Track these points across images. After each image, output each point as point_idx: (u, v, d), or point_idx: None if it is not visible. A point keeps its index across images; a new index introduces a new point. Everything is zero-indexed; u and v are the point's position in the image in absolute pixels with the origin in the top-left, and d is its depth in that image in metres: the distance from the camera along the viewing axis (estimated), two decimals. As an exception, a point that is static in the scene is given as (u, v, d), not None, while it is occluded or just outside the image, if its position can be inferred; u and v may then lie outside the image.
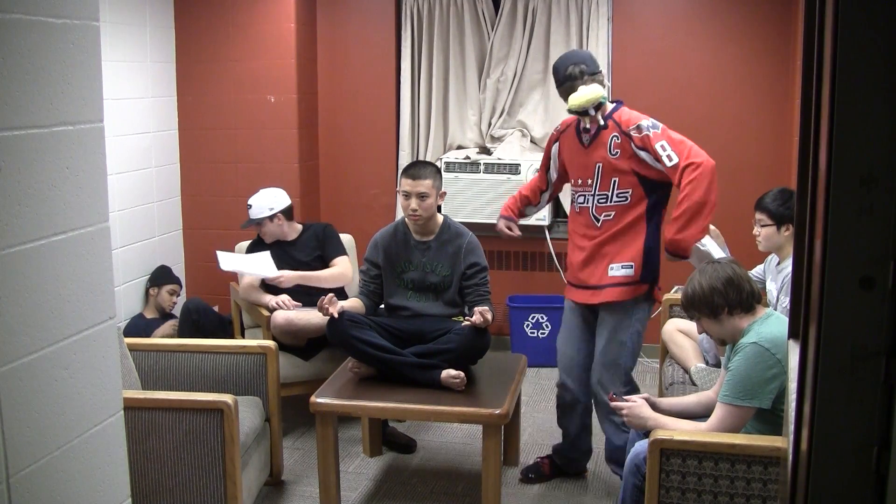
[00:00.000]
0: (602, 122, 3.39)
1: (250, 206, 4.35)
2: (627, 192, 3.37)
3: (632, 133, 3.31)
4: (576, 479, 3.75)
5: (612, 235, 3.40)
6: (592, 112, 3.35)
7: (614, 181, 3.37)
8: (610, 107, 3.43)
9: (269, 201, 4.34)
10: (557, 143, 3.60)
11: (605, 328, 3.44)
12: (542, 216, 5.12)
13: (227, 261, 4.26)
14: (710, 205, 3.24)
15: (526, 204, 3.81)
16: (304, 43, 5.29)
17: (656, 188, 3.38)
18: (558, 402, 3.66)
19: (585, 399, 3.59)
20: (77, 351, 1.52)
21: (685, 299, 2.81)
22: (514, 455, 3.85)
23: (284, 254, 4.30)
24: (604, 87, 3.39)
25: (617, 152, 3.34)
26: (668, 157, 3.24)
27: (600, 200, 3.41)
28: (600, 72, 3.43)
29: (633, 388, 3.49)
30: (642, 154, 3.31)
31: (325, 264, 4.33)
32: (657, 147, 3.26)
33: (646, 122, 3.32)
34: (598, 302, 3.45)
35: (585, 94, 3.31)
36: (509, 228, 3.78)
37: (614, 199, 3.38)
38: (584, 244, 3.48)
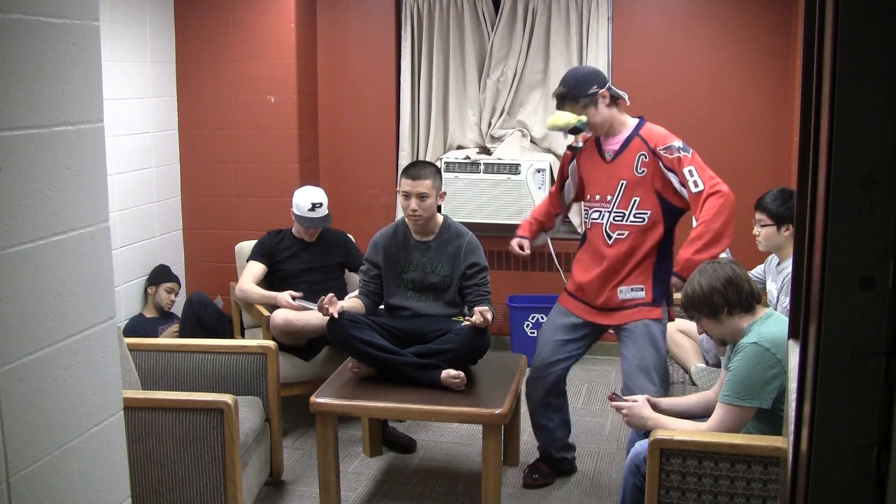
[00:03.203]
0: (579, 144, 3.44)
1: (320, 203, 4.26)
2: (646, 214, 3.32)
3: (661, 152, 3.28)
4: (575, 479, 3.75)
5: (623, 255, 3.36)
6: (567, 135, 3.40)
7: (635, 200, 3.33)
8: (633, 123, 3.40)
9: (327, 198, 4.31)
10: (574, 160, 3.56)
11: (639, 336, 3.37)
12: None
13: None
14: (726, 237, 3.25)
15: (539, 229, 3.75)
16: (304, 43, 5.29)
17: (673, 213, 3.36)
18: (531, 408, 3.64)
19: (557, 400, 3.61)
20: (77, 351, 1.52)
21: (685, 299, 2.81)
22: (514, 455, 3.85)
23: (305, 254, 4.30)
24: (595, 108, 3.32)
25: (643, 171, 3.30)
26: (695, 182, 3.23)
27: (616, 218, 3.37)
28: (591, 94, 3.30)
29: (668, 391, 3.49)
30: (670, 175, 3.28)
31: (343, 271, 4.43)
32: (685, 171, 3.24)
33: (678, 142, 3.30)
34: (616, 324, 3.44)
35: (554, 119, 3.35)
36: (521, 247, 3.67)
37: (631, 218, 3.34)
38: (591, 261, 3.45)
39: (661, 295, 3.39)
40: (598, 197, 3.42)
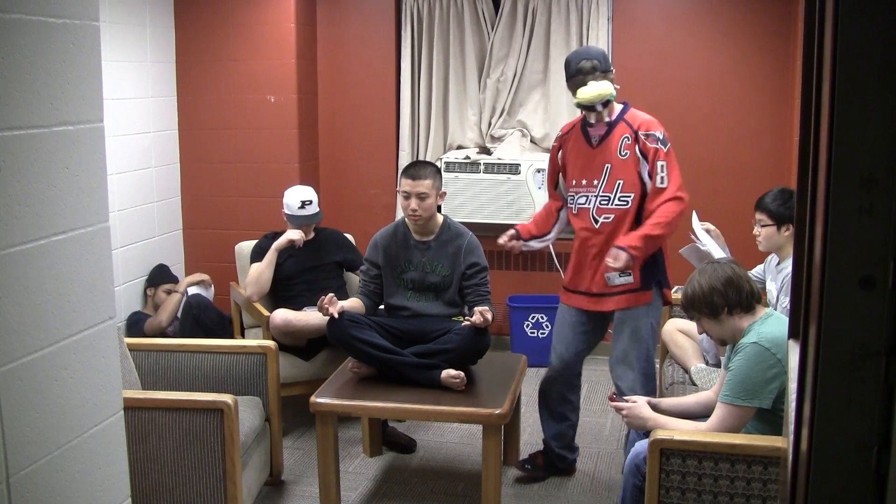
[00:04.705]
0: (608, 121, 3.39)
1: (310, 201, 4.29)
2: (629, 196, 3.36)
3: (642, 136, 3.32)
4: (575, 479, 3.75)
5: (610, 238, 3.38)
6: (600, 108, 3.34)
7: (619, 184, 3.36)
8: (618, 108, 3.42)
9: (317, 197, 4.36)
10: (561, 150, 3.58)
11: (625, 328, 3.43)
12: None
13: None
14: (663, 242, 3.37)
15: (552, 224, 3.68)
16: (304, 43, 5.29)
17: None
18: (545, 402, 3.66)
19: (572, 397, 3.63)
20: (77, 351, 1.52)
21: (685, 299, 2.82)
22: (514, 455, 3.85)
23: (302, 254, 4.30)
24: (614, 86, 3.37)
25: (626, 153, 3.34)
26: (662, 178, 3.30)
27: (602, 202, 3.40)
28: (612, 70, 3.41)
29: (654, 387, 3.51)
30: (641, 159, 3.32)
31: (341, 270, 4.44)
32: (658, 164, 3.30)
33: (660, 133, 3.34)
34: (606, 309, 3.47)
35: (595, 89, 3.30)
36: (511, 238, 3.66)
37: (616, 201, 3.38)
38: (581, 247, 3.49)
39: (651, 278, 3.42)
40: (584, 182, 3.45)
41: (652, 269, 3.42)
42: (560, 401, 3.64)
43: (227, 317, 4.73)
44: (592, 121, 3.40)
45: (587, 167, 3.43)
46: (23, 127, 1.37)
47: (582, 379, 3.73)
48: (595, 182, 3.41)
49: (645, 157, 3.32)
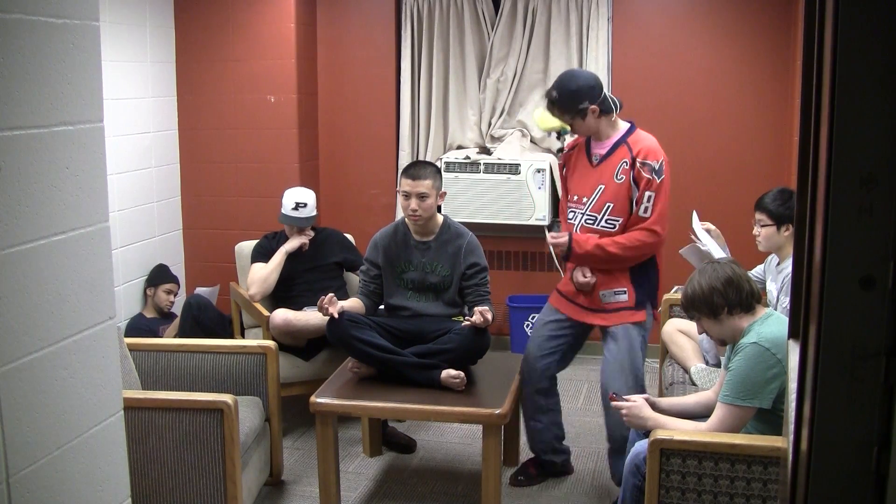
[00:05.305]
0: (562, 144, 3.47)
1: (304, 203, 4.30)
2: (617, 221, 3.34)
3: (638, 163, 3.29)
4: (574, 479, 3.75)
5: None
6: (549, 135, 3.46)
7: (608, 206, 3.33)
8: (624, 127, 3.40)
9: (314, 201, 4.37)
10: (566, 168, 3.58)
11: (617, 336, 3.41)
12: (541, 216, 5.12)
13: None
14: (623, 267, 3.35)
15: None
16: (304, 43, 5.29)
17: None
18: (533, 406, 3.62)
19: (546, 401, 3.61)
20: (77, 351, 1.52)
21: (685, 299, 2.81)
22: (513, 455, 3.85)
23: (302, 254, 4.31)
24: (582, 119, 3.32)
25: (622, 178, 3.31)
26: (646, 209, 3.28)
27: (587, 221, 3.39)
28: (581, 109, 3.30)
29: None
30: (632, 185, 3.30)
31: (341, 270, 4.45)
32: (645, 194, 3.28)
33: (657, 164, 3.29)
34: (600, 324, 3.46)
35: (540, 121, 3.49)
36: (584, 275, 3.48)
37: (602, 223, 3.35)
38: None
39: (645, 297, 3.42)
40: (576, 198, 3.45)
41: (647, 288, 3.42)
42: (535, 409, 3.61)
43: (227, 317, 4.73)
44: (553, 139, 3.52)
45: (582, 184, 3.43)
46: (23, 127, 1.37)
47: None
48: (585, 200, 3.40)
49: (637, 184, 3.29)
